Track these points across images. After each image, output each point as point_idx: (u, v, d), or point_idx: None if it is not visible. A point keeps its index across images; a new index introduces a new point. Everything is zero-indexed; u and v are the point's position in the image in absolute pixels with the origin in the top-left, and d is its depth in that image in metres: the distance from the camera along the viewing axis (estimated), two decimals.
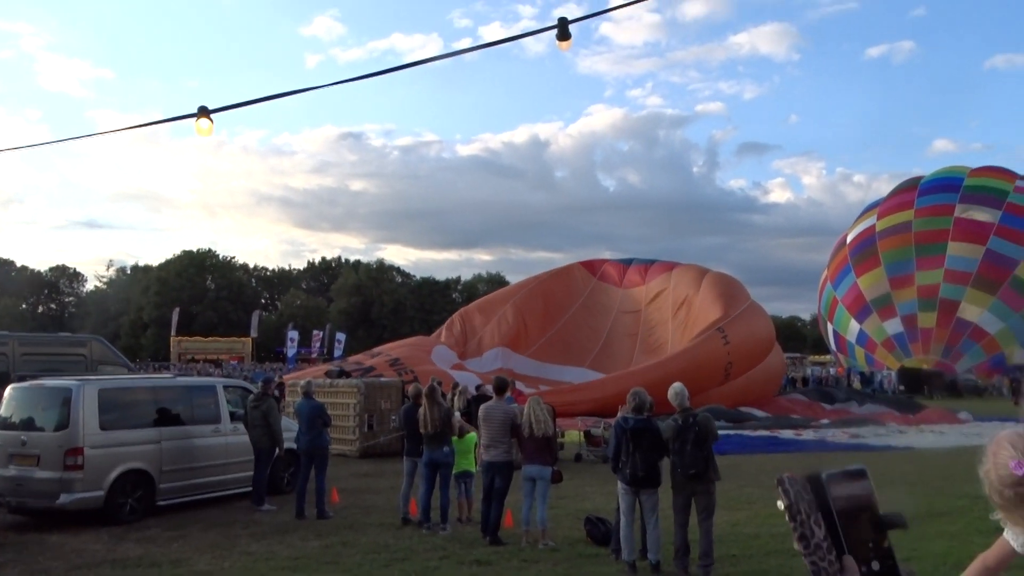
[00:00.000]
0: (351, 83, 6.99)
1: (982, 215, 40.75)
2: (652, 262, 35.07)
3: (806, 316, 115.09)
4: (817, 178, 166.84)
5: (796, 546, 1.27)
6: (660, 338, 30.63)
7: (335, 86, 6.74)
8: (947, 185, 44.17)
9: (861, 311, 43.27)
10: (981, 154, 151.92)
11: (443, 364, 27.19)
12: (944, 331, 40.29)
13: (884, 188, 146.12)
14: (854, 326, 43.83)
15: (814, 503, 1.26)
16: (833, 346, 47.93)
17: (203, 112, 6.02)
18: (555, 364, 31.00)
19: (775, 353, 30.35)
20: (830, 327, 46.95)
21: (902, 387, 40.91)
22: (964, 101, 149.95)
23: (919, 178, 47.17)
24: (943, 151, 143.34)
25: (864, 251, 43.75)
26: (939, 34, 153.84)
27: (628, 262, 35.94)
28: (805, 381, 44.84)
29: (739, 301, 28.96)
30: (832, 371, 52.81)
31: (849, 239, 45.85)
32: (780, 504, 1.29)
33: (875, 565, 1.26)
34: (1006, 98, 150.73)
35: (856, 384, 43.23)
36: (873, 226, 44.38)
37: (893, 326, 41.60)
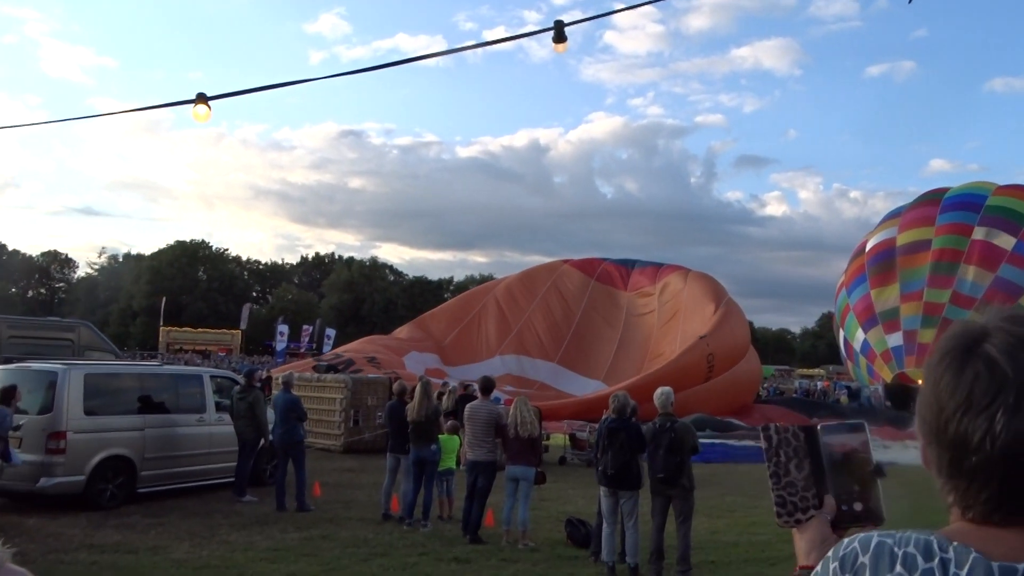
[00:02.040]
0: (353, 82, 7.05)
1: (1000, 240, 40.83)
2: (633, 265, 35.24)
3: (796, 329, 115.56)
4: (814, 193, 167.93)
5: (769, 483, 1.31)
6: (649, 348, 30.92)
7: (337, 82, 6.77)
8: (969, 203, 44.03)
9: (868, 321, 43.28)
10: (977, 175, 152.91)
11: (417, 369, 27.22)
12: None
13: (880, 205, 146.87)
14: (860, 335, 43.91)
15: (801, 448, 1.30)
16: (843, 352, 47.91)
17: (201, 98, 6.02)
18: (529, 357, 31.35)
19: (752, 356, 30.89)
20: (841, 333, 46.97)
21: (888, 402, 41.04)
22: (962, 122, 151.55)
23: (944, 191, 47.07)
24: (939, 171, 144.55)
25: (882, 263, 43.50)
26: (940, 55, 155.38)
27: (631, 264, 36.11)
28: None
29: (722, 298, 29.78)
30: (819, 384, 53.04)
31: (868, 247, 45.51)
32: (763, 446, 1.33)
33: (857, 506, 1.29)
34: (1003, 120, 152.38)
35: (843, 399, 43.40)
36: (894, 239, 44.04)
37: (894, 339, 41.58)
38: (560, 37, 5.74)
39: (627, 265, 35.60)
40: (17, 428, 9.83)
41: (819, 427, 1.31)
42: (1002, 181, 41.70)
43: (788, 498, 1.29)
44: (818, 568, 1.16)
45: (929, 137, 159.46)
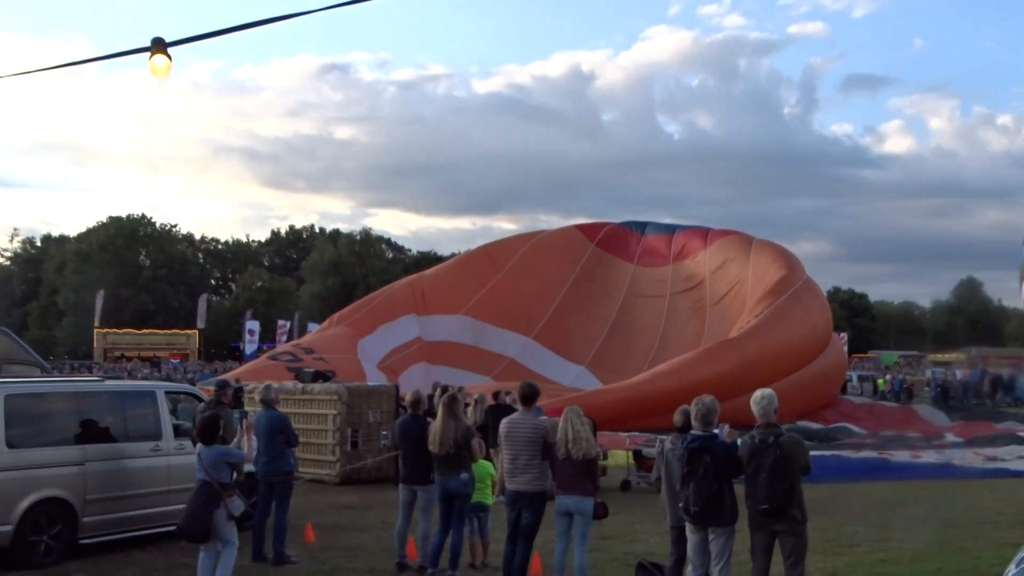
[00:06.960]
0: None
1: None
2: (674, 229, 35.38)
3: (925, 303, 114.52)
4: (949, 121, 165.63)
5: None
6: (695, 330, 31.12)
7: (313, 4, 6.67)
8: None
9: None
10: None
11: (369, 359, 27.69)
12: None
13: None
14: None
15: None
16: None
17: (158, 46, 5.66)
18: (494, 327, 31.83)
19: (835, 347, 31.11)
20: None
21: None
22: None
23: None
24: None
25: None
26: None
27: (642, 228, 36.23)
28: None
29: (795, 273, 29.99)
30: (959, 373, 52.40)
31: None
32: None
33: None
34: None
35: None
36: None
37: None
38: None
39: (638, 229, 35.86)
40: None
41: None
42: None
43: None
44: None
45: None
